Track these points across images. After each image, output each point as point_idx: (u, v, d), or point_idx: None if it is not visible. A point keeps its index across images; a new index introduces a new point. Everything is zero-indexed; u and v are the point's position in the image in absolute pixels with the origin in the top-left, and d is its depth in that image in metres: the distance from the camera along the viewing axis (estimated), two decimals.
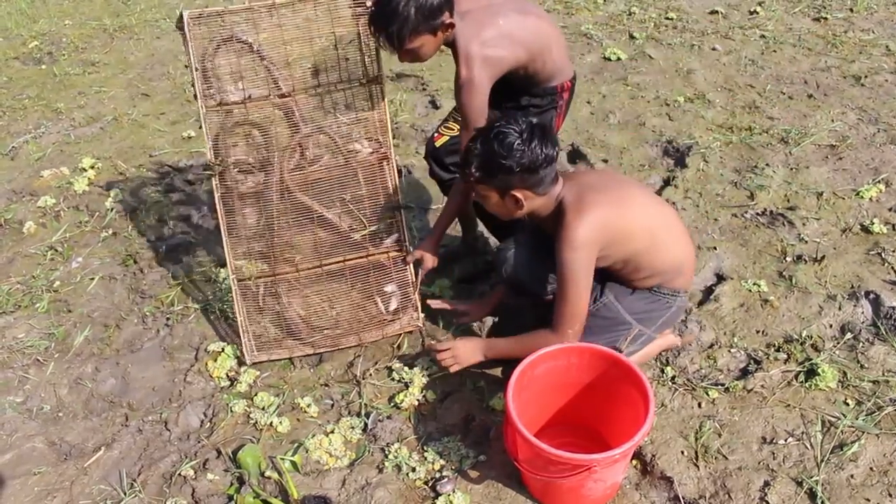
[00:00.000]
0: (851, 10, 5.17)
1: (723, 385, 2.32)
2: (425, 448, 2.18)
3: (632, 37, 4.96)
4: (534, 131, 1.91)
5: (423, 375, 2.41)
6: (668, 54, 4.69)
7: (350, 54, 2.36)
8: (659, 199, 2.30)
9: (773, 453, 2.10)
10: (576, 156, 3.63)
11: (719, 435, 2.17)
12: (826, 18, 5.05)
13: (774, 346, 2.46)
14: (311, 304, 2.54)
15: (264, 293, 2.52)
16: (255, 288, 2.51)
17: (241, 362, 2.51)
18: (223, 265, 2.97)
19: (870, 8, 5.17)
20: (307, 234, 2.48)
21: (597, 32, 5.05)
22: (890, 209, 3.09)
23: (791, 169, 3.41)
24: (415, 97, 4.33)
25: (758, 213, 3.11)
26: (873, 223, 2.97)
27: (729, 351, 2.45)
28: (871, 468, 2.04)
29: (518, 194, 1.97)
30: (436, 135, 2.71)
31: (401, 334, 2.60)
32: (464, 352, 2.19)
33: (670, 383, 2.34)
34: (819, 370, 2.30)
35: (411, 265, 2.56)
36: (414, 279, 2.57)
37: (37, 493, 2.15)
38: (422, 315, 2.61)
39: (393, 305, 2.58)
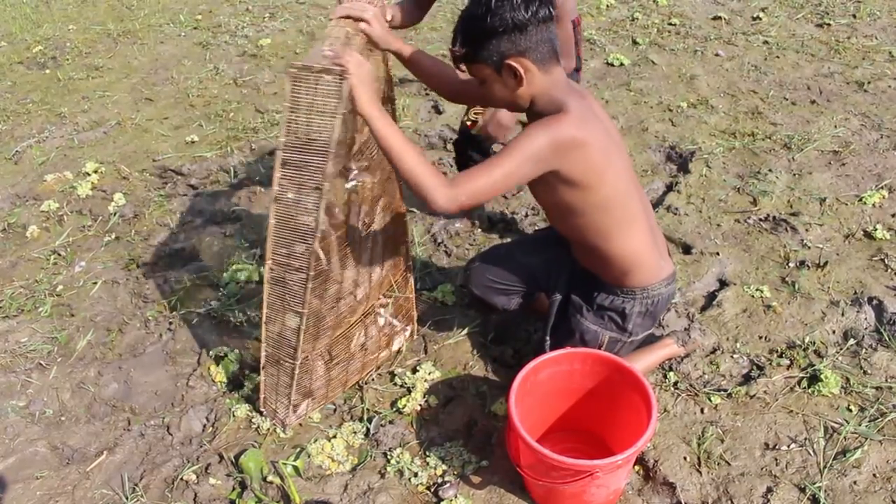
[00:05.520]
0: (854, 16, 5.17)
1: (725, 391, 2.31)
2: (427, 453, 2.18)
3: (635, 42, 4.97)
4: None
5: (425, 380, 2.41)
6: (671, 60, 4.69)
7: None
8: (641, 189, 2.13)
9: (776, 459, 2.10)
10: None
11: (722, 441, 2.16)
12: (829, 24, 5.05)
13: (777, 351, 2.46)
14: (341, 350, 2.35)
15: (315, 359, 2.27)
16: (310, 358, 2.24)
17: (242, 367, 2.51)
18: (225, 270, 2.99)
19: (873, 14, 5.17)
20: (365, 282, 2.29)
21: (600, 38, 5.05)
22: (893, 215, 3.09)
23: (794, 174, 3.41)
24: (417, 102, 4.34)
25: (761, 219, 3.11)
26: (876, 229, 2.96)
27: (731, 356, 2.45)
28: (874, 475, 2.04)
29: (514, 63, 1.75)
30: (469, 123, 2.74)
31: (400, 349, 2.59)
32: (357, 69, 1.69)
33: (673, 389, 2.34)
34: (822, 376, 2.30)
35: (412, 281, 2.54)
36: (413, 294, 2.56)
37: (39, 497, 2.15)
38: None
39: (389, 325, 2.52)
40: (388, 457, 2.17)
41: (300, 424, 2.31)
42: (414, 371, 2.46)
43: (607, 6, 5.62)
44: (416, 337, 2.62)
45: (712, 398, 2.29)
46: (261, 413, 2.33)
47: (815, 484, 2.01)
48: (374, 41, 1.92)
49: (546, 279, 2.30)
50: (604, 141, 1.85)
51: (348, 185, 2.03)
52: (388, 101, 2.17)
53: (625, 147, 2.02)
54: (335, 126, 1.74)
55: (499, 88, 1.85)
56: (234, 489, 2.14)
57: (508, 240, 3.05)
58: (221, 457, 2.23)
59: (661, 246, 2.14)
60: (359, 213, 2.12)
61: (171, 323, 2.77)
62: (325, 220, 1.93)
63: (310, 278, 1.97)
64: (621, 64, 4.65)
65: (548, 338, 2.23)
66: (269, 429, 2.29)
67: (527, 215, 3.26)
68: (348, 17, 1.87)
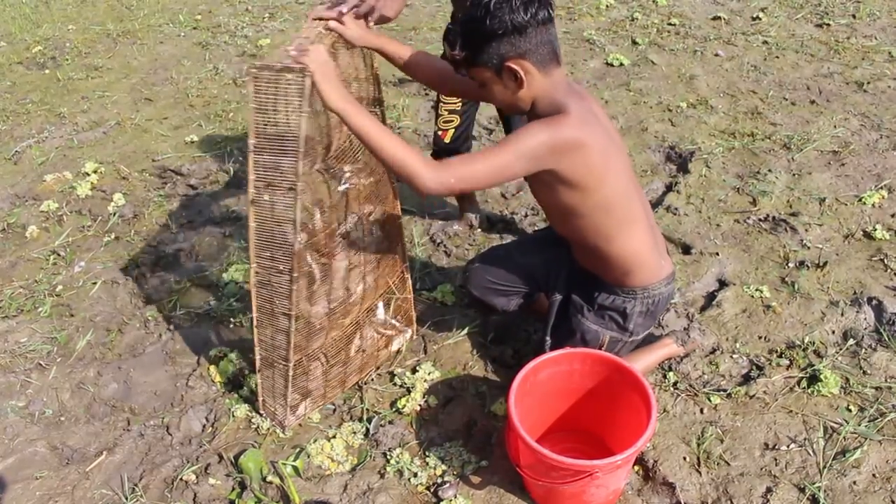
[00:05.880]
0: (854, 16, 5.17)
1: (725, 391, 2.31)
2: (427, 453, 2.18)
3: (634, 42, 4.97)
4: None
5: (424, 381, 2.41)
6: (670, 60, 4.69)
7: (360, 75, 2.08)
8: (641, 189, 2.13)
9: (776, 459, 2.10)
10: None
11: (721, 441, 2.16)
12: (829, 24, 5.06)
13: (777, 351, 2.46)
14: (338, 352, 2.34)
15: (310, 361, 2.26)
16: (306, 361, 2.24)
17: (242, 367, 2.51)
18: (225, 270, 2.99)
19: (872, 14, 5.17)
20: (358, 285, 2.30)
21: (599, 38, 5.05)
22: (892, 215, 3.09)
23: (793, 175, 3.41)
24: (417, 102, 4.34)
25: (760, 219, 3.11)
26: (876, 229, 2.97)
27: (731, 357, 2.45)
28: (873, 475, 2.04)
29: (514, 66, 1.75)
30: (441, 133, 2.73)
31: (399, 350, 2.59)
32: (319, 66, 1.68)
33: (672, 389, 2.34)
34: (821, 376, 2.30)
35: (409, 281, 2.54)
36: (412, 294, 2.56)
37: (38, 497, 2.15)
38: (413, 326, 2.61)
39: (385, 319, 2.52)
40: (388, 457, 2.17)
41: (300, 425, 2.31)
42: (413, 371, 2.46)
43: (607, 6, 5.63)
44: (415, 337, 2.62)
45: (712, 398, 2.29)
46: (260, 413, 2.33)
47: (814, 484, 2.01)
48: (348, 40, 1.91)
49: (545, 279, 2.30)
50: (603, 142, 1.85)
51: (341, 188, 2.03)
52: (375, 102, 2.16)
53: (624, 148, 2.03)
54: (301, 125, 1.73)
55: (499, 91, 1.85)
56: (233, 489, 2.14)
57: (508, 240, 3.05)
58: (221, 457, 2.23)
59: (661, 245, 2.14)
60: (351, 215, 2.12)
61: (170, 323, 2.77)
62: (311, 221, 1.92)
63: (294, 280, 1.96)
64: (621, 64, 4.65)
65: (548, 338, 2.23)
66: (268, 429, 2.29)
67: (526, 215, 3.26)
68: (321, 18, 1.86)
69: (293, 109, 1.72)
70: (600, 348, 2.13)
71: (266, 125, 1.77)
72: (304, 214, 1.89)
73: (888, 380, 2.32)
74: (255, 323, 2.13)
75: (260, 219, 1.92)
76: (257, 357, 2.21)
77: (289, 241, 1.90)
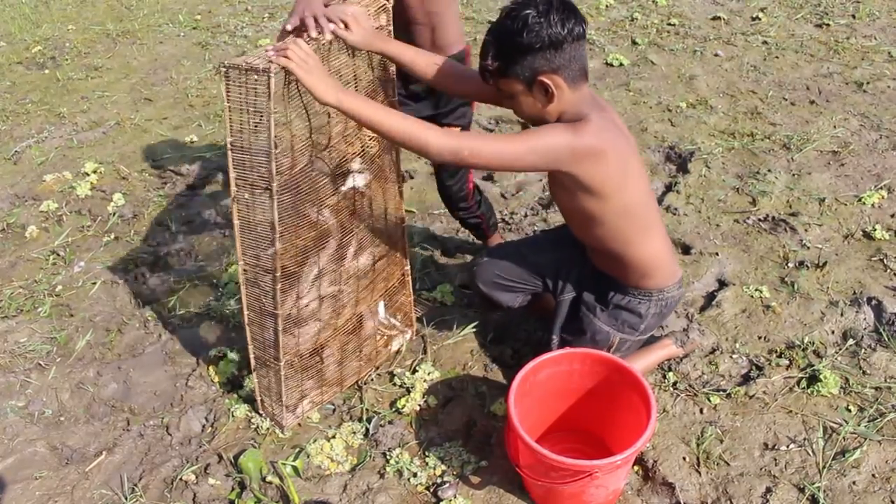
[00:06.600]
0: (854, 16, 5.17)
1: (724, 391, 2.31)
2: (427, 453, 2.18)
3: (634, 42, 4.97)
4: (552, 4, 1.70)
5: (424, 381, 2.41)
6: (670, 60, 4.69)
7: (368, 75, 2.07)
8: (654, 193, 2.18)
9: (775, 459, 2.10)
10: None
11: (721, 441, 2.16)
12: (828, 25, 5.05)
13: (776, 352, 2.46)
14: (333, 351, 2.33)
15: (305, 361, 2.24)
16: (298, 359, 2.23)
17: (241, 367, 2.51)
18: (225, 270, 2.99)
19: (872, 14, 5.17)
20: (352, 286, 2.28)
21: (599, 38, 5.05)
22: (892, 215, 3.09)
23: (793, 175, 3.41)
24: None
25: (760, 219, 3.11)
26: (875, 229, 2.97)
27: (731, 357, 2.45)
28: (873, 475, 2.04)
29: (546, 80, 1.75)
30: None
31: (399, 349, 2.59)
32: (300, 62, 1.64)
33: (672, 389, 2.34)
34: (821, 376, 2.30)
35: (410, 284, 2.54)
36: (412, 294, 2.56)
37: (38, 497, 2.15)
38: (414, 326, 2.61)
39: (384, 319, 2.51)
40: (388, 457, 2.17)
41: (299, 424, 2.31)
42: (413, 371, 2.46)
43: (606, 6, 5.62)
44: (415, 337, 2.62)
45: (711, 398, 2.29)
46: (260, 413, 2.33)
47: (814, 484, 2.01)
48: (351, 45, 1.88)
49: (555, 278, 2.30)
50: (622, 150, 1.87)
51: (344, 188, 2.03)
52: (389, 105, 2.15)
53: (640, 155, 2.04)
54: (270, 125, 1.70)
55: (528, 104, 1.84)
56: (233, 489, 2.14)
57: (507, 240, 3.05)
58: (221, 457, 2.23)
59: (672, 248, 2.17)
60: (353, 214, 2.12)
61: (170, 323, 2.77)
62: (299, 221, 1.92)
63: (277, 280, 1.96)
64: (620, 64, 4.65)
65: (555, 336, 2.24)
66: (268, 429, 2.29)
67: (526, 215, 3.26)
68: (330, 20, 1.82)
69: (261, 109, 1.69)
70: (609, 349, 2.15)
71: (240, 124, 1.75)
72: (289, 213, 1.88)
73: (888, 380, 2.32)
74: (246, 321, 2.14)
75: (242, 217, 1.91)
76: (251, 356, 2.21)
77: (269, 240, 1.89)
